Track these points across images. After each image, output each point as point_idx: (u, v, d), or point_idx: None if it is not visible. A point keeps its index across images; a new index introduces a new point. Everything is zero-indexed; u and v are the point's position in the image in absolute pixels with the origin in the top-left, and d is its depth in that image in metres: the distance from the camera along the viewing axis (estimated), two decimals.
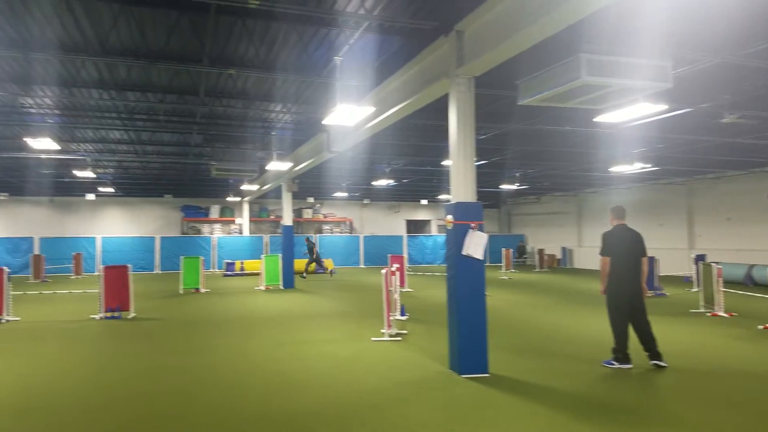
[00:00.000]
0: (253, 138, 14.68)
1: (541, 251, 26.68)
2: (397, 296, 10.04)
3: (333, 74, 8.79)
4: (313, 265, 22.58)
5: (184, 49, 8.32)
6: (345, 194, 26.95)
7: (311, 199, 29.24)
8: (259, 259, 18.06)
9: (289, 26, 7.50)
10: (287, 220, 17.80)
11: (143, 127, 13.20)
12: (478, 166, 18.61)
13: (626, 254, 6.72)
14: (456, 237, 6.55)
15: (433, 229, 33.44)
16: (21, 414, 5.14)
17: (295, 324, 10.29)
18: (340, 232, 30.37)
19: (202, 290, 16.36)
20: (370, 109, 8.38)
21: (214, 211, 28.22)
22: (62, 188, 23.73)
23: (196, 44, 8.08)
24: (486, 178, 22.01)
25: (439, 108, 11.08)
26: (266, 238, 27.54)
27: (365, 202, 31.18)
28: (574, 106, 6.63)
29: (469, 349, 6.47)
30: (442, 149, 16.05)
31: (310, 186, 24.30)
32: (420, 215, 33.47)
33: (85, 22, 7.20)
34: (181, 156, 17.67)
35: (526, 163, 19.24)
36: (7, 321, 10.65)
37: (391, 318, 8.93)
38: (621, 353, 6.71)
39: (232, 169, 15.36)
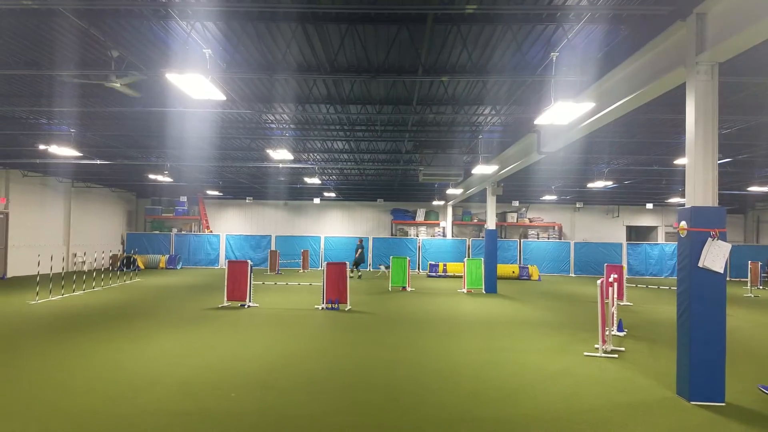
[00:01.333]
0: (460, 142, 14.92)
1: None
2: (614, 309, 9.10)
3: (548, 71, 8.41)
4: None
5: (402, 61, 8.85)
6: (554, 197, 25.66)
7: (516, 203, 28.52)
8: (462, 262, 18.21)
9: (504, 27, 7.39)
10: (491, 224, 17.63)
11: (362, 137, 14.44)
12: (720, 165, 15.98)
13: None
14: (691, 246, 5.87)
15: (660, 237, 29.64)
16: (260, 388, 6.00)
17: (500, 330, 10.08)
18: (548, 238, 28.95)
19: (408, 289, 17.21)
20: (590, 105, 7.75)
21: (420, 215, 29.52)
22: (294, 193, 27.56)
23: (413, 55, 8.51)
24: (730, 178, 18.73)
25: (671, 101, 9.82)
26: (469, 241, 27.77)
27: (578, 205, 29.20)
28: None
29: (701, 373, 5.77)
30: (673, 146, 14.19)
31: (515, 189, 23.75)
32: (643, 221, 29.98)
33: (317, 44, 8.14)
34: (393, 162, 18.90)
35: None
36: (249, 307, 12.61)
37: (606, 333, 8.16)
38: None
39: (439, 173, 15.81)
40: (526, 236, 29.20)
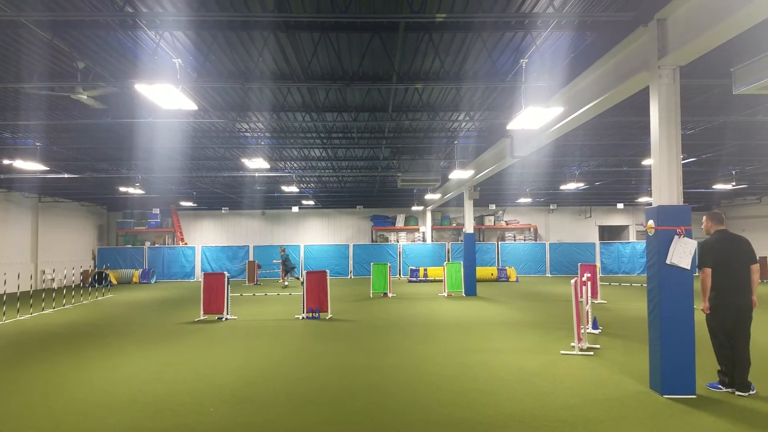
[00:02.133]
0: (437, 148, 15.04)
1: (763, 259, 22.27)
2: (588, 308, 9.26)
3: (518, 77, 8.56)
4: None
5: (376, 68, 8.89)
6: (529, 200, 26.04)
7: (493, 206, 28.84)
8: (442, 266, 18.31)
9: (475, 34, 7.49)
10: (469, 227, 17.78)
11: (339, 144, 14.43)
12: (685, 165, 16.44)
13: (732, 263, 5.87)
14: (659, 244, 6.00)
15: (631, 236, 30.32)
16: (240, 402, 5.91)
17: (479, 332, 10.17)
18: (524, 240, 29.33)
19: (390, 295, 17.21)
20: (559, 110, 7.90)
21: (400, 220, 29.59)
22: (272, 202, 27.32)
23: (387, 63, 8.56)
24: (695, 177, 19.29)
25: (637, 103, 10.09)
26: (448, 245, 27.93)
27: (551, 207, 29.68)
28: None
29: (673, 367, 5.91)
30: (640, 147, 14.55)
31: (491, 193, 24.02)
32: (615, 220, 30.63)
33: (290, 52, 8.12)
34: (371, 169, 18.91)
35: (744, 159, 16.35)
36: (227, 319, 12.39)
37: (582, 331, 8.31)
38: (729, 376, 6.00)
39: (416, 179, 15.88)
40: (503, 239, 29.54)
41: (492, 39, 7.80)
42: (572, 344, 8.43)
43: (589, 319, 9.60)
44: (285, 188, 20.03)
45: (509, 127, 9.14)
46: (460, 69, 8.98)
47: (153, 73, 7.75)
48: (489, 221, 29.32)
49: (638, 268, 27.00)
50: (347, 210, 30.22)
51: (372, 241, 29.87)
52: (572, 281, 8.42)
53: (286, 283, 22.30)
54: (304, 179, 20.99)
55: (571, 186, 19.88)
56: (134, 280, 24.95)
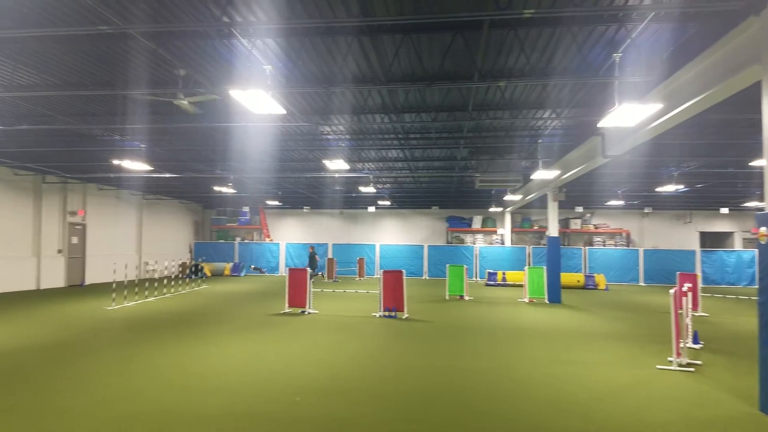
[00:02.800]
0: (519, 147, 14.62)
1: None
2: (688, 321, 8.59)
3: (611, 72, 8.12)
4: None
5: (457, 67, 8.80)
6: (621, 202, 24.61)
7: (580, 209, 27.56)
8: (522, 270, 17.78)
9: (563, 29, 7.20)
10: (552, 230, 17.11)
11: (416, 145, 14.44)
12: None
13: None
14: None
15: (737, 243, 27.76)
16: (325, 395, 6.08)
17: (564, 341, 9.75)
18: (615, 245, 27.75)
19: (466, 298, 16.97)
20: (657, 107, 7.39)
21: (477, 222, 29.10)
22: (349, 202, 27.91)
23: (468, 61, 8.45)
24: None
25: (746, 99, 9.19)
26: (529, 249, 27.07)
27: (646, 211, 27.86)
28: None
29: None
30: (749, 147, 13.29)
31: (578, 194, 22.97)
32: (718, 226, 28.19)
33: (372, 55, 8.24)
34: (448, 170, 18.76)
35: None
36: (309, 313, 12.86)
37: (681, 345, 7.73)
38: None
39: (496, 179, 15.53)
40: (591, 243, 28.13)
41: (582, 33, 7.46)
42: (669, 359, 7.88)
43: (690, 333, 8.91)
44: (362, 188, 20.38)
45: (601, 124, 8.70)
46: (547, 65, 8.67)
47: (246, 79, 8.18)
48: (575, 225, 28.06)
49: (745, 279, 24.67)
50: (422, 211, 30.20)
51: (447, 242, 29.62)
52: (671, 291, 7.85)
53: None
54: (380, 180, 21.23)
55: (669, 188, 18.53)
56: (226, 273, 26.52)
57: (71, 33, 6.87)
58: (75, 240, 20.49)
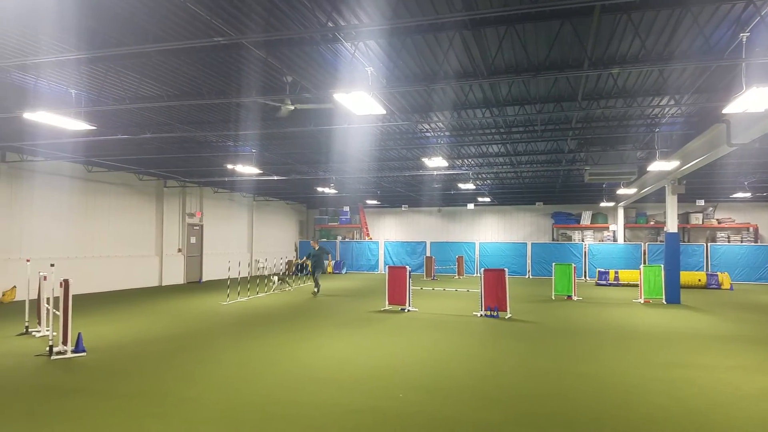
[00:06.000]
0: (633, 137, 13.64)
1: None
2: None
3: (737, 54, 7.31)
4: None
5: (565, 56, 8.39)
6: (748, 195, 22.10)
7: (701, 202, 25.11)
8: (637, 269, 16.56)
9: (682, 10, 6.58)
10: (671, 226, 15.76)
11: (519, 139, 13.97)
12: None
13: None
14: None
15: None
16: (428, 392, 6.07)
17: (684, 344, 8.97)
18: (741, 241, 24.98)
19: (574, 298, 16.14)
20: None
21: (586, 218, 27.56)
22: (448, 199, 27.68)
23: (577, 49, 8.01)
24: None
25: None
26: (644, 246, 25.16)
27: None
28: None
29: None
30: None
31: (700, 186, 20.99)
32: None
33: (474, 49, 8.08)
34: (553, 163, 17.97)
35: None
36: (409, 311, 12.94)
37: None
38: None
39: (608, 172, 14.63)
40: (714, 239, 25.57)
41: (705, 13, 6.77)
42: None
43: None
44: (461, 185, 20.12)
45: (726, 110, 7.92)
46: (665, 49, 7.98)
47: (349, 82, 8.39)
48: (696, 219, 25.63)
49: None
50: (525, 207, 29.17)
51: (553, 239, 28.36)
52: None
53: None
54: (480, 176, 20.81)
55: None
56: (329, 270, 27.54)
57: (188, 46, 7.43)
58: (193, 240, 22.38)
